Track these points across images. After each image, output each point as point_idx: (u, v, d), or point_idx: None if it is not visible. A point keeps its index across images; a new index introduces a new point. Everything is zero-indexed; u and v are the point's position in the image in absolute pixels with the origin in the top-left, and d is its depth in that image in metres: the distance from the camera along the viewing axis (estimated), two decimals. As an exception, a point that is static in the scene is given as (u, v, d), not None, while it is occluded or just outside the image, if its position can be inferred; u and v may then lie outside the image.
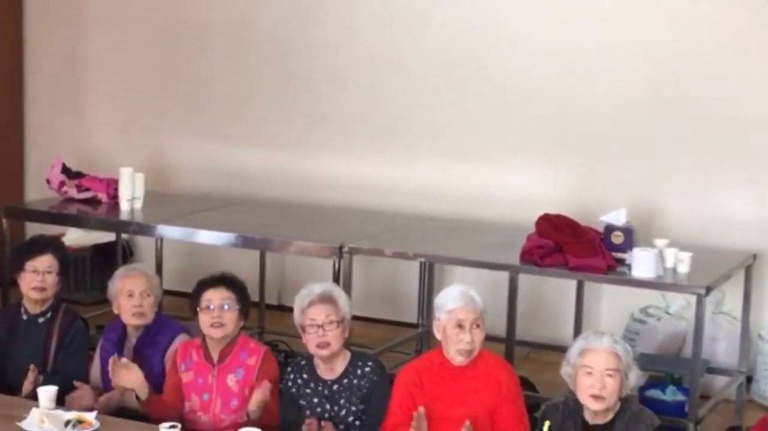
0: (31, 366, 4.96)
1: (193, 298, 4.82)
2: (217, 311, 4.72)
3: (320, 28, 7.82)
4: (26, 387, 4.92)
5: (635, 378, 4.16)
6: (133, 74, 8.44)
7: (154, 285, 5.12)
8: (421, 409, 4.29)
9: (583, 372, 4.10)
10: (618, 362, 4.09)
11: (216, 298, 4.75)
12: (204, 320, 4.74)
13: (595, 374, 4.07)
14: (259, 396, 4.53)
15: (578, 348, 4.17)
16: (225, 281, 4.83)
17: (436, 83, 7.55)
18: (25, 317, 5.23)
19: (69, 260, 5.52)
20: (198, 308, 4.77)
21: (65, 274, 5.35)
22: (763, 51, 6.75)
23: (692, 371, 5.48)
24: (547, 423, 4.17)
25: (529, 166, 7.32)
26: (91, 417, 4.41)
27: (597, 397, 4.07)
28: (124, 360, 4.77)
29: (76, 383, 4.87)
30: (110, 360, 4.70)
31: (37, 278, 5.16)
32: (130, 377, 4.69)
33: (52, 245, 5.34)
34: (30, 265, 5.18)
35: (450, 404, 4.36)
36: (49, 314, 5.21)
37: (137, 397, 4.68)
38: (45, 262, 5.19)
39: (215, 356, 4.77)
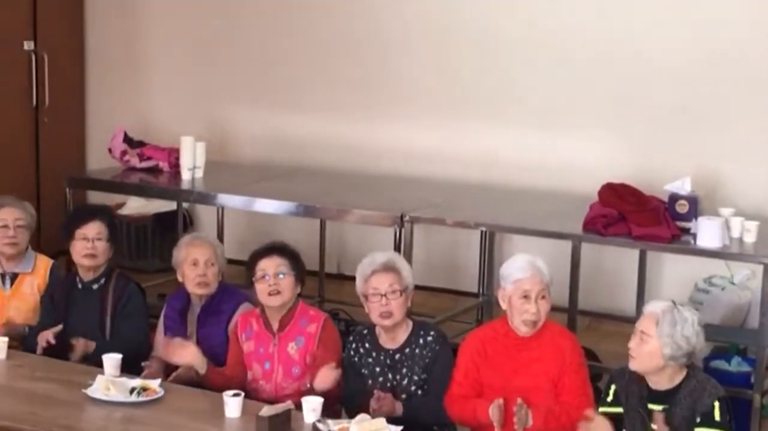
0: (73, 340, 5.00)
1: (248, 269, 4.83)
2: (273, 279, 4.73)
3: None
4: (74, 359, 4.97)
5: (674, 349, 3.97)
6: (193, 43, 8.44)
7: (219, 254, 5.13)
8: (519, 400, 4.22)
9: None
10: (652, 326, 4.02)
11: (270, 266, 4.75)
12: (261, 289, 4.75)
13: (635, 333, 4.08)
14: (330, 376, 4.48)
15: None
16: (277, 249, 4.84)
17: (495, 50, 7.47)
18: (79, 285, 5.25)
19: (118, 227, 5.53)
20: (254, 279, 4.78)
21: (117, 241, 5.37)
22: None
23: (759, 341, 5.42)
24: (613, 387, 4.17)
25: (591, 135, 7.23)
26: (155, 384, 4.45)
27: (630, 351, 4.06)
28: (177, 339, 4.80)
29: (144, 364, 4.89)
30: (163, 342, 4.72)
31: (88, 246, 5.18)
32: (185, 354, 4.72)
33: (100, 212, 5.36)
34: (79, 233, 5.20)
35: (514, 374, 4.34)
36: (102, 281, 5.23)
37: (197, 372, 4.72)
38: (94, 229, 5.20)
39: (275, 325, 4.78)
